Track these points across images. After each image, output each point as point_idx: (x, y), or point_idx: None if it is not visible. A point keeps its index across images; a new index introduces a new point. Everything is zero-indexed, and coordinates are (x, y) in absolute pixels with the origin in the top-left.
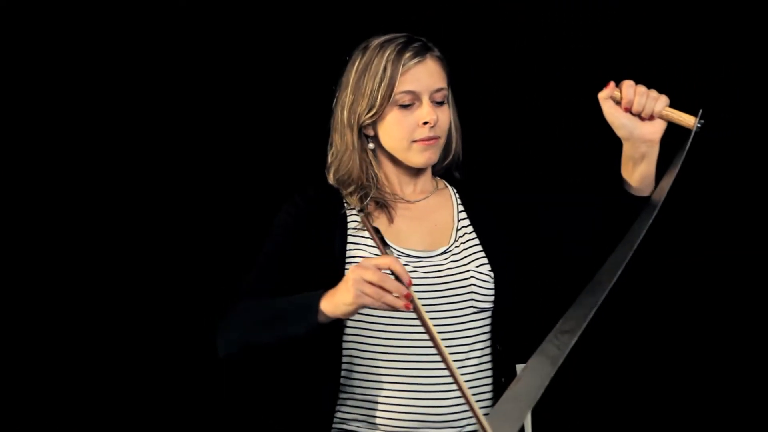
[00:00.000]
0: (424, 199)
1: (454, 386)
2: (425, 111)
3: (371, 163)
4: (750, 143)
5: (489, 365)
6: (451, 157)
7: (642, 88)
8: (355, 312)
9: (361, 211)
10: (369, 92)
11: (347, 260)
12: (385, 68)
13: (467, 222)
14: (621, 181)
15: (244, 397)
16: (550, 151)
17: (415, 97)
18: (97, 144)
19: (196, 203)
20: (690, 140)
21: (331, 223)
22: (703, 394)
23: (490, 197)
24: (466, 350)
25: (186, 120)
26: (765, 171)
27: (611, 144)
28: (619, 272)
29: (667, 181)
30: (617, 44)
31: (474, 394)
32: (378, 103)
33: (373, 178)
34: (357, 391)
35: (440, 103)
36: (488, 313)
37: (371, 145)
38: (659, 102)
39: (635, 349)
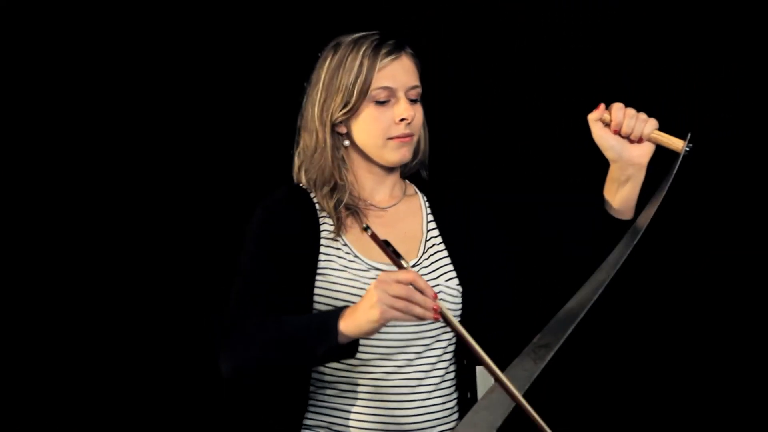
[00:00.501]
0: (394, 205)
1: (420, 395)
2: (402, 108)
3: (343, 161)
4: (750, 143)
5: (454, 379)
6: (419, 157)
7: (631, 111)
8: (379, 330)
9: (352, 218)
10: (344, 88)
11: (318, 272)
12: (361, 64)
13: (436, 232)
14: (602, 201)
15: (212, 402)
16: (550, 151)
17: (391, 94)
18: (80, 144)
19: (175, 201)
20: (678, 164)
21: (303, 230)
22: (703, 394)
23: (459, 200)
24: (434, 361)
25: (165, 119)
26: (765, 171)
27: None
28: (600, 291)
29: (653, 207)
30: (617, 44)
31: (438, 406)
32: (354, 99)
33: (345, 179)
34: (325, 399)
35: (414, 101)
36: (449, 333)
37: (347, 142)
38: (648, 125)
39: (635, 349)
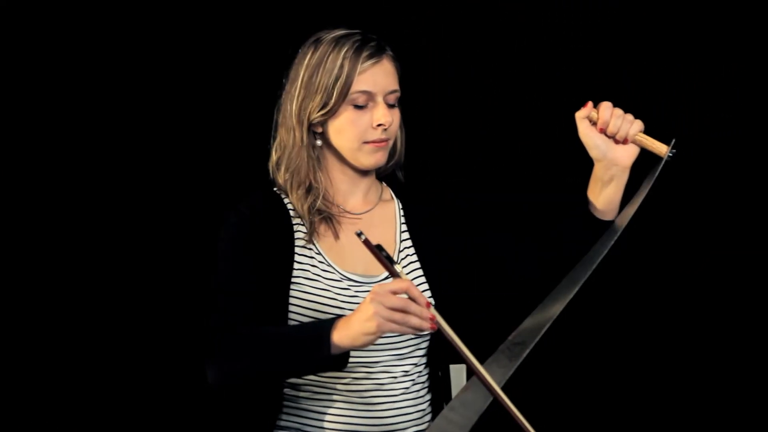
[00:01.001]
0: (369, 211)
1: (393, 397)
2: (380, 113)
3: (318, 162)
4: (750, 143)
5: (427, 380)
6: (395, 158)
7: (619, 111)
8: (374, 342)
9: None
10: (323, 88)
11: (292, 280)
12: (342, 66)
13: (409, 243)
14: (586, 201)
15: (186, 402)
16: (550, 151)
17: (370, 98)
18: (71, 146)
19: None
20: (659, 168)
21: (277, 236)
22: (703, 394)
23: (433, 206)
24: (406, 364)
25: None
26: (765, 171)
27: None
28: (576, 290)
29: (632, 208)
30: (617, 44)
31: (411, 408)
32: (333, 101)
33: (320, 181)
34: (298, 401)
35: (392, 105)
36: (427, 337)
37: (319, 142)
38: (634, 126)
39: (635, 349)
